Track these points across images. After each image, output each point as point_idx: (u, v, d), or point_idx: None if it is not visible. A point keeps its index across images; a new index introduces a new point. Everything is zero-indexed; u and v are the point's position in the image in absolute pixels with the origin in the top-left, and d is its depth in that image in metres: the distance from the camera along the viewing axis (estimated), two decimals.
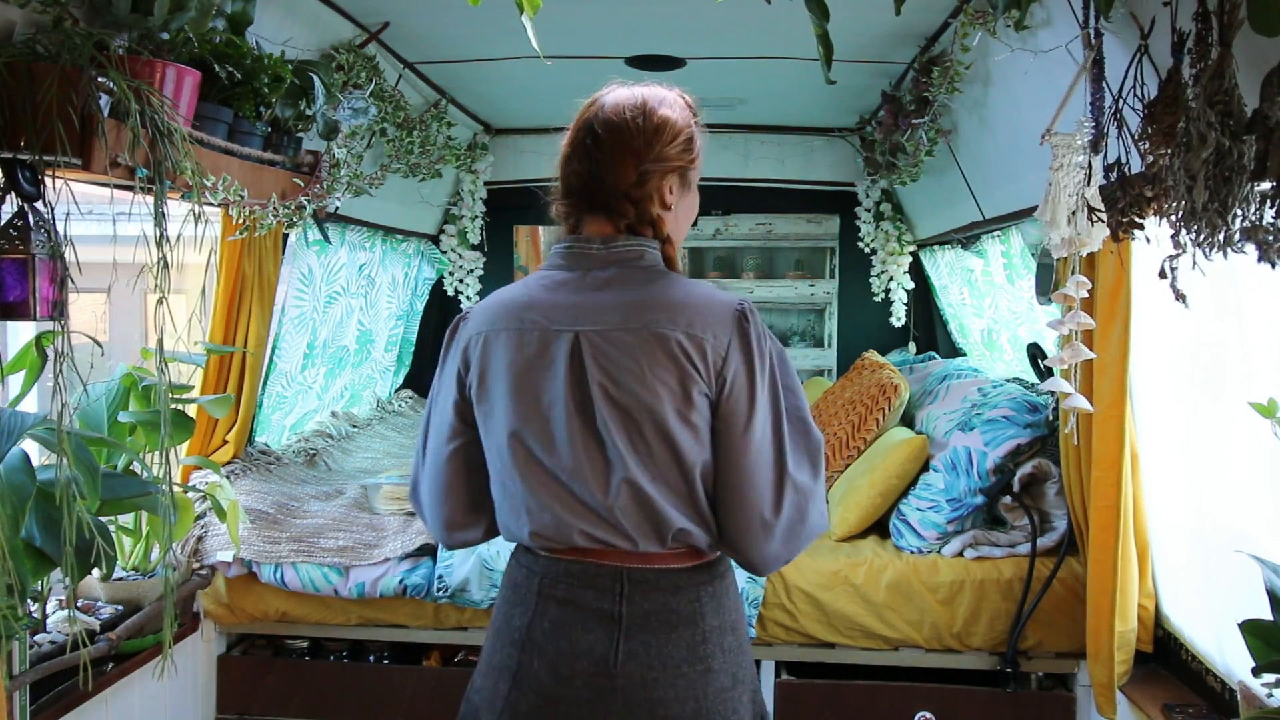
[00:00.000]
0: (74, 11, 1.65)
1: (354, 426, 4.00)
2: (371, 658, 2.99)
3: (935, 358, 4.29)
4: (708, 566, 1.40)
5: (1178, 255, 1.38)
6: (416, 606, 2.82)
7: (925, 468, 2.94)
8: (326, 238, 3.06)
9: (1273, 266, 1.25)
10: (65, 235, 1.70)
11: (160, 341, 1.84)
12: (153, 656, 2.46)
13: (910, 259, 4.57)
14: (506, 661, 1.39)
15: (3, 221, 1.66)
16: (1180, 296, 1.43)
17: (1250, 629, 1.59)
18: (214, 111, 1.98)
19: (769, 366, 1.36)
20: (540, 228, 5.02)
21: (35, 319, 1.67)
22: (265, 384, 3.30)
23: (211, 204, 1.98)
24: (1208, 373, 2.08)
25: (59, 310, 1.68)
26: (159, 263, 1.74)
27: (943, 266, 4.36)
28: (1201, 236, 1.30)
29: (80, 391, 2.28)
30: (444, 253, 4.71)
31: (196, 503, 2.62)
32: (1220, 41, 1.31)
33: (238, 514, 2.57)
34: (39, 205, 1.67)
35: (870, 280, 4.63)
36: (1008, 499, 2.72)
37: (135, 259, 1.74)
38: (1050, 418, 2.75)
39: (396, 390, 4.78)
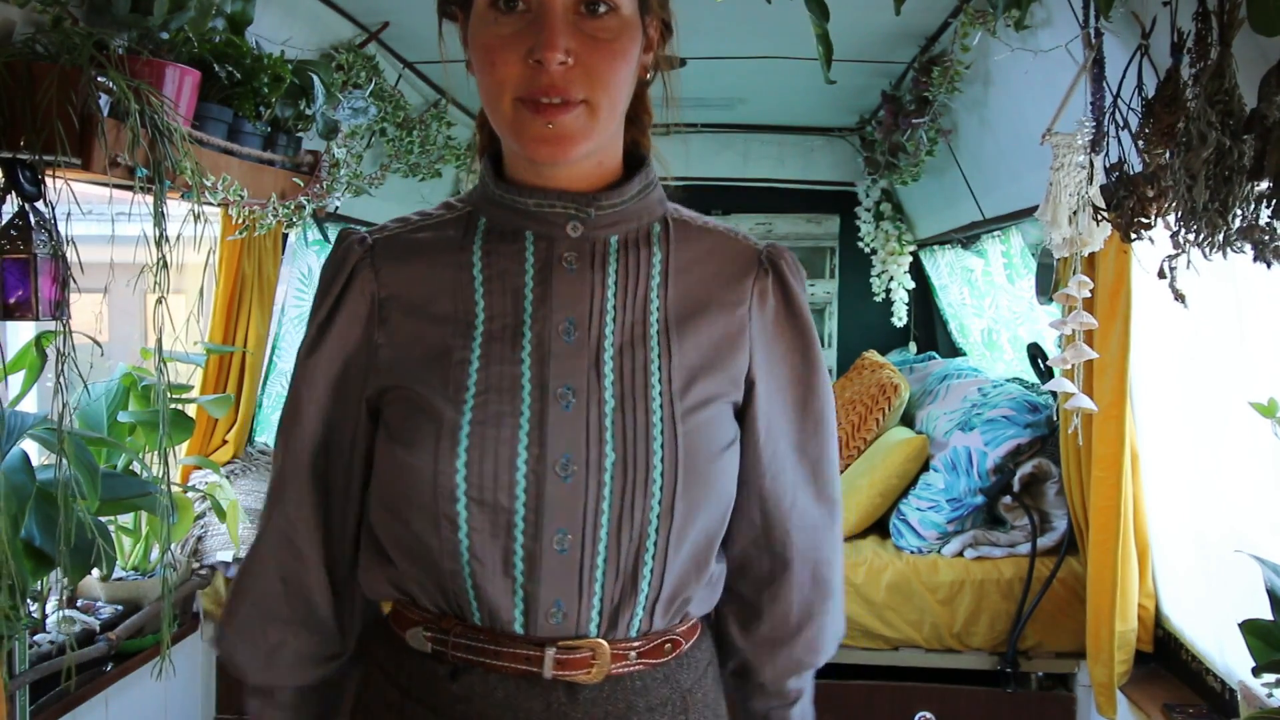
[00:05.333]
0: (74, 11, 1.64)
1: None
2: None
3: (935, 358, 4.29)
4: None
5: (1177, 255, 1.38)
6: None
7: (925, 468, 2.94)
8: (326, 238, 3.06)
9: (1268, 266, 1.25)
10: (67, 235, 1.70)
11: (160, 341, 1.83)
12: (152, 656, 2.45)
13: (910, 259, 4.57)
14: None
15: (3, 222, 1.66)
16: (1179, 296, 1.43)
17: (1250, 629, 1.59)
18: (214, 111, 1.98)
19: None
20: None
21: (38, 319, 1.67)
22: (265, 384, 3.30)
23: (211, 204, 1.98)
24: (1208, 373, 2.08)
25: (60, 310, 1.68)
26: (159, 263, 1.74)
27: (943, 266, 4.36)
28: (1201, 236, 1.30)
29: (80, 391, 2.28)
30: None
31: (196, 503, 2.62)
32: (1220, 41, 1.31)
33: (238, 514, 2.57)
34: (39, 205, 1.67)
35: (870, 280, 4.63)
36: (1008, 499, 2.72)
37: (135, 259, 1.74)
38: (1051, 417, 2.75)
39: None
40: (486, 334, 0.91)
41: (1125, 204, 1.58)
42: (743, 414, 0.97)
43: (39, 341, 1.89)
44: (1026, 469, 2.69)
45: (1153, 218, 1.55)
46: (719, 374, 0.94)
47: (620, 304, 0.92)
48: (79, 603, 2.43)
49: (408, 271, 0.95)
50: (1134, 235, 1.59)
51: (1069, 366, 1.95)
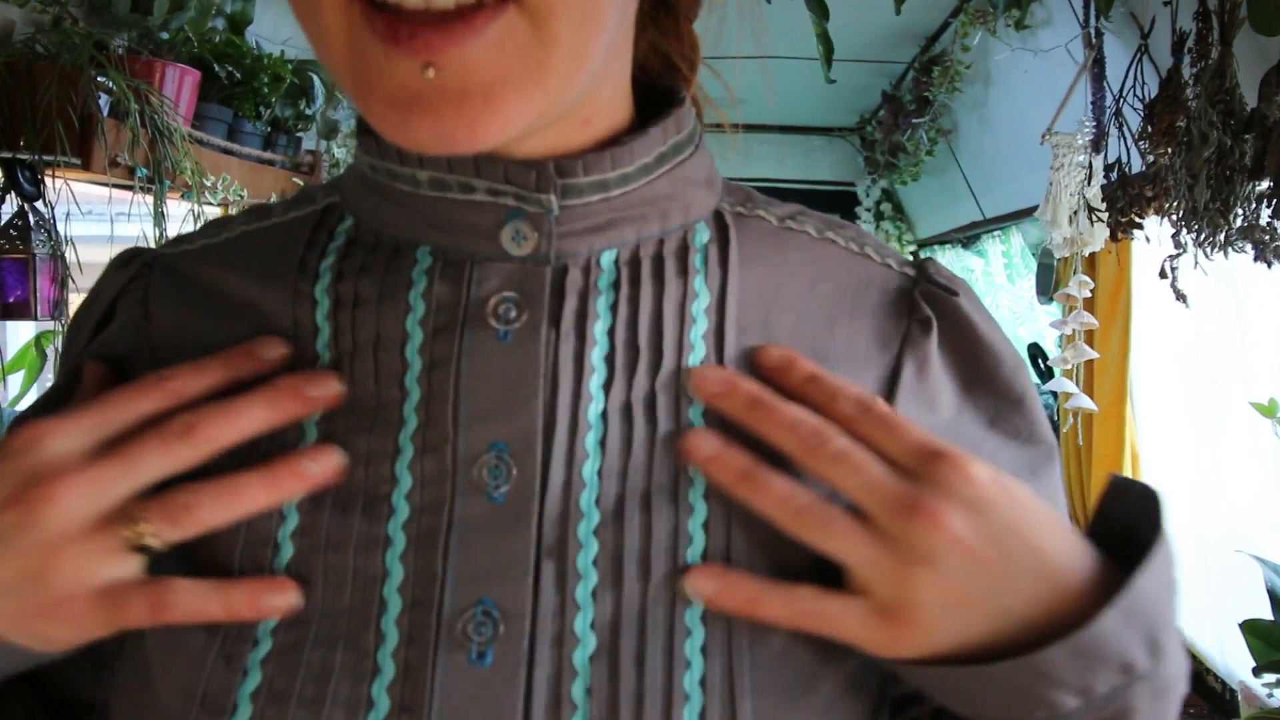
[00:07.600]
0: (74, 11, 1.65)
1: None
2: None
3: None
4: None
5: (1178, 255, 1.38)
6: None
7: None
8: None
9: (1269, 266, 1.25)
10: (66, 235, 1.70)
11: None
12: None
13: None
14: None
15: (3, 222, 1.66)
16: (1181, 296, 1.43)
17: (1250, 629, 1.59)
18: (214, 111, 1.98)
19: None
20: None
21: (36, 319, 1.67)
22: None
23: (211, 204, 1.98)
24: (1208, 373, 2.08)
25: (59, 310, 1.69)
26: None
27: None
28: (1202, 236, 1.30)
29: None
30: None
31: None
32: (1221, 41, 1.31)
33: None
34: (39, 205, 1.67)
35: None
36: None
37: None
38: (1051, 417, 2.75)
39: None
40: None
41: (1116, 203, 1.58)
42: None
43: (39, 341, 1.89)
44: None
45: (1149, 217, 1.55)
46: None
47: (618, 407, 0.41)
48: None
49: (195, 325, 0.46)
50: (1122, 235, 1.60)
51: (1069, 366, 1.95)
